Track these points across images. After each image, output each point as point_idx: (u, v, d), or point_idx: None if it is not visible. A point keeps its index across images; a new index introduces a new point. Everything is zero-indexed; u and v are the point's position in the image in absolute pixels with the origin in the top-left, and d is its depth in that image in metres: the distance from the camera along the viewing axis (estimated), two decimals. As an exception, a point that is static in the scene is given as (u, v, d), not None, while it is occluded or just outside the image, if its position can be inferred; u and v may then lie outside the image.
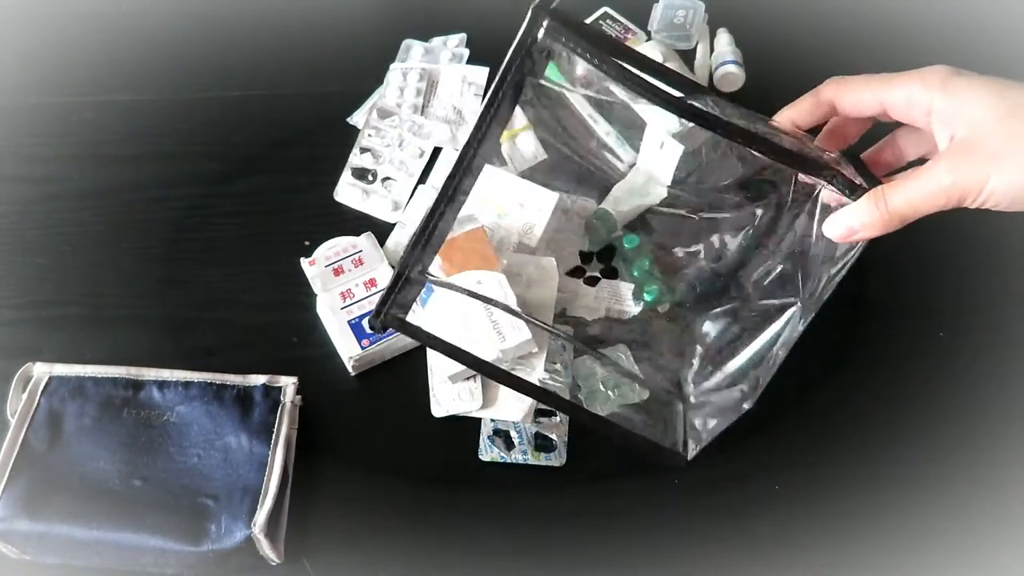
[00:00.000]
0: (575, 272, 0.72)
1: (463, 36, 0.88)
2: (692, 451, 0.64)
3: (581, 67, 0.50)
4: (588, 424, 0.63)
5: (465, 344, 0.59)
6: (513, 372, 0.62)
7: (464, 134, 0.81)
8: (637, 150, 0.79)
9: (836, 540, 0.63)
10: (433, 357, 0.69)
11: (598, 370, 0.67)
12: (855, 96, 0.52)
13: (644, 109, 0.80)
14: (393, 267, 0.71)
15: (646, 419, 0.65)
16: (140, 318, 0.73)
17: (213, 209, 0.79)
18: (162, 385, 0.64)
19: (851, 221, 0.49)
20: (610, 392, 0.67)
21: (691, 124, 0.50)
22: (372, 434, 0.68)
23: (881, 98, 0.51)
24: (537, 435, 0.67)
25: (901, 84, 0.49)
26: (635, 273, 0.71)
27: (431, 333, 0.58)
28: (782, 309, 0.59)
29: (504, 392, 0.66)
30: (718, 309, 0.66)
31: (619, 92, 0.52)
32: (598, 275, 0.72)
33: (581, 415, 0.63)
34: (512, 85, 0.49)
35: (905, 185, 0.47)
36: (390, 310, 0.56)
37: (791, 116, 0.54)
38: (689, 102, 0.51)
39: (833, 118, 0.55)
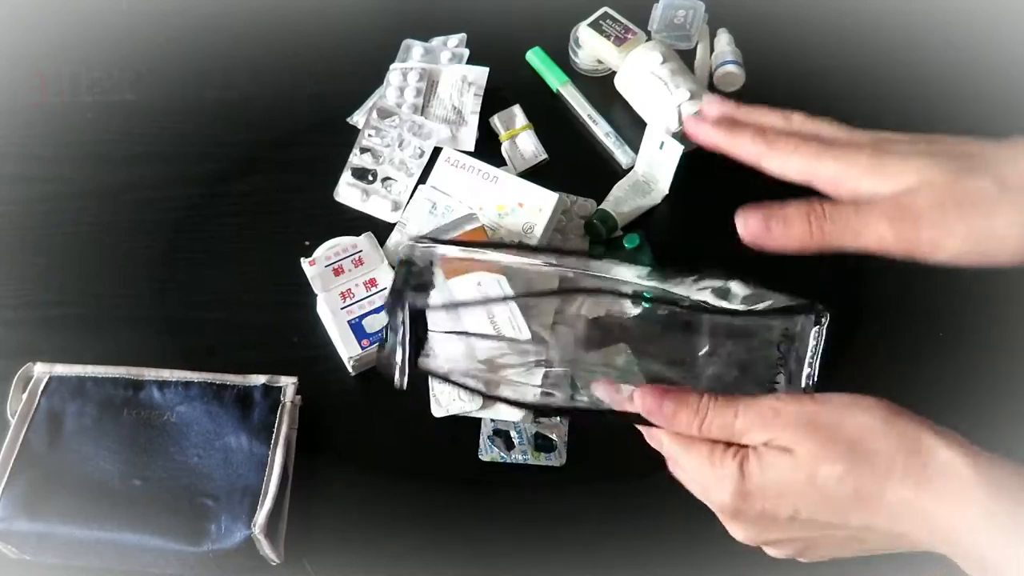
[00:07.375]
0: None
1: (463, 36, 0.88)
2: None
3: None
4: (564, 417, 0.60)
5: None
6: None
7: (464, 134, 0.81)
8: (637, 150, 0.79)
9: (836, 540, 0.63)
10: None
11: (598, 370, 0.67)
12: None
13: (644, 110, 0.80)
14: (393, 267, 0.71)
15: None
16: (140, 318, 0.73)
17: (213, 209, 0.79)
18: (162, 385, 0.64)
19: None
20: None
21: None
22: (372, 434, 0.68)
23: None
24: (537, 435, 0.67)
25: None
26: (635, 273, 0.71)
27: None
28: None
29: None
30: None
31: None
32: None
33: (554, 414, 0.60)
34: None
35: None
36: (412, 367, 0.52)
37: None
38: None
39: None
